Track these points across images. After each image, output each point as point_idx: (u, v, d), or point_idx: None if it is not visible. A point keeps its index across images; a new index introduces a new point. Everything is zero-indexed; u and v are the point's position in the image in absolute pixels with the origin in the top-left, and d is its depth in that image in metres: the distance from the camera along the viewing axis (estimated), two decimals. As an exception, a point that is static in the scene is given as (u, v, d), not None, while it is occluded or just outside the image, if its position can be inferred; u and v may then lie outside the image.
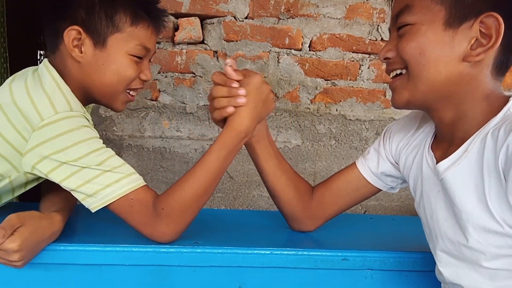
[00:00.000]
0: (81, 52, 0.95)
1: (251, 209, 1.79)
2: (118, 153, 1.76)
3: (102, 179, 0.88)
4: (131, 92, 1.04)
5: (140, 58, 1.00)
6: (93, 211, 0.90)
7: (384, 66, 0.90)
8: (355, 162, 1.06)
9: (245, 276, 0.97)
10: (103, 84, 0.98)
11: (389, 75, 0.87)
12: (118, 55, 0.97)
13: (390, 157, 1.01)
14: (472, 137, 0.78)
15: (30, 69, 0.99)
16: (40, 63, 2.98)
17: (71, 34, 0.94)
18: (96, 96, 1.01)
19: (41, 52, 3.13)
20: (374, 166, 1.03)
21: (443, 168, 0.82)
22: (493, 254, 0.76)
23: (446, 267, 0.84)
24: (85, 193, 0.88)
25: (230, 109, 0.91)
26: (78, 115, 0.92)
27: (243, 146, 1.00)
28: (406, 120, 1.01)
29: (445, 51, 0.77)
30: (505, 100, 0.79)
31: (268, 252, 0.97)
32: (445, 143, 0.86)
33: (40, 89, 0.90)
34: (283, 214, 1.10)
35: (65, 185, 0.89)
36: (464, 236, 0.79)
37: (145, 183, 0.93)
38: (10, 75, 1.61)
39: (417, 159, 0.92)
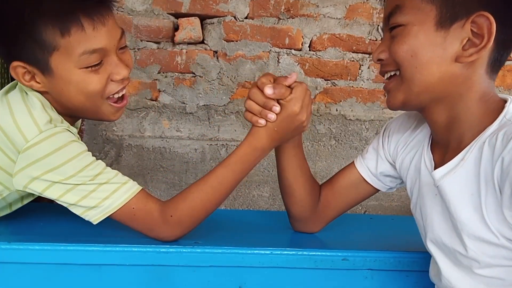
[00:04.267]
0: (38, 82, 0.87)
1: (251, 209, 1.79)
2: (118, 153, 1.76)
3: (99, 192, 0.87)
4: (115, 96, 0.92)
5: (96, 65, 0.86)
6: (95, 223, 0.90)
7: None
8: (353, 162, 1.05)
9: (245, 276, 0.97)
10: (75, 105, 0.90)
11: (383, 76, 0.86)
12: (68, 74, 0.85)
13: (389, 157, 1.00)
14: (470, 145, 0.77)
15: (13, 84, 0.93)
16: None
17: (17, 71, 0.85)
18: (80, 115, 0.96)
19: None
20: (373, 167, 1.01)
21: (439, 176, 0.81)
22: (487, 263, 0.75)
23: (441, 267, 0.84)
24: (85, 206, 0.87)
25: (262, 121, 0.89)
26: (62, 131, 0.86)
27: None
28: (404, 118, 0.99)
29: (437, 53, 0.76)
30: (501, 104, 0.78)
31: (268, 252, 0.97)
32: (442, 146, 0.85)
33: (23, 106, 0.85)
34: (290, 213, 1.09)
35: (64, 200, 0.87)
36: (461, 245, 0.78)
37: (142, 187, 0.92)
38: (11, 75, 1.58)
39: (415, 160, 0.91)
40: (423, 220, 0.88)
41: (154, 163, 1.76)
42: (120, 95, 0.93)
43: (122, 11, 1.66)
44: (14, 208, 1.03)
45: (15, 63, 0.85)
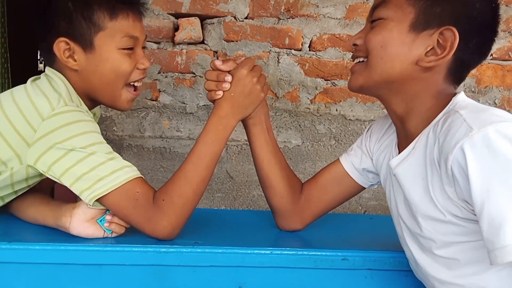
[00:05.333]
0: (75, 60, 0.99)
1: (251, 209, 1.79)
2: (118, 153, 1.76)
3: (108, 165, 0.91)
4: (135, 84, 1.06)
5: (131, 49, 1.02)
6: (91, 202, 0.91)
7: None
8: (339, 158, 1.10)
9: (245, 276, 0.97)
10: (102, 84, 1.01)
11: (353, 61, 0.94)
12: (108, 52, 0.99)
13: (370, 154, 1.05)
14: (420, 134, 0.85)
15: (37, 77, 1.03)
16: (40, 62, 2.99)
17: (60, 46, 0.98)
18: (99, 98, 1.05)
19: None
20: (357, 162, 1.06)
21: (394, 165, 0.89)
22: (442, 242, 0.81)
23: (412, 253, 0.90)
24: (91, 179, 0.90)
25: (219, 93, 0.98)
26: (82, 110, 0.98)
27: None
28: (383, 119, 1.06)
29: (404, 51, 0.84)
30: (452, 97, 0.85)
31: (268, 252, 0.97)
32: (404, 140, 0.92)
33: (50, 87, 0.97)
34: (272, 207, 1.12)
35: (74, 171, 0.90)
36: (417, 226, 0.85)
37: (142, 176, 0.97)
38: (11, 75, 1.66)
39: (387, 157, 0.98)
40: (394, 212, 0.95)
41: (154, 163, 1.76)
42: (137, 84, 1.07)
43: (122, 11, 1.66)
44: (7, 200, 1.05)
45: (61, 39, 0.98)
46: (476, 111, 0.76)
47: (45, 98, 0.94)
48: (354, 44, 0.92)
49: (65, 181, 0.91)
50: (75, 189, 0.91)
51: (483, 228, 0.68)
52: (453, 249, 0.80)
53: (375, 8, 0.89)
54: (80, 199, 0.94)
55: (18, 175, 0.97)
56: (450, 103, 0.83)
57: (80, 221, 0.94)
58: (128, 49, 1.01)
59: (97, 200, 0.92)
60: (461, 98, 0.84)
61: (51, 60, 1.02)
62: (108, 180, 0.90)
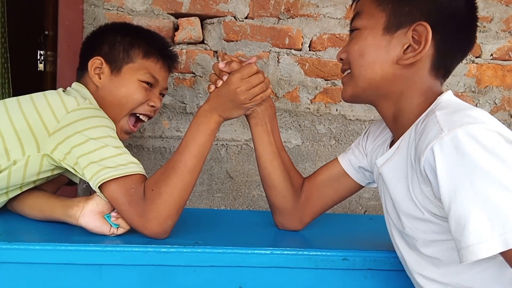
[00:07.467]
0: (100, 78, 1.17)
1: (251, 209, 1.79)
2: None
3: (115, 159, 0.97)
4: (140, 116, 1.20)
5: (149, 84, 1.19)
6: (96, 188, 0.96)
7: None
8: (337, 157, 1.12)
9: (245, 276, 0.97)
10: (112, 105, 1.15)
11: (343, 73, 0.97)
12: (129, 80, 1.17)
13: (365, 153, 1.07)
14: (404, 134, 0.87)
15: (60, 89, 1.16)
16: (40, 63, 3.02)
17: (94, 62, 1.17)
18: None
19: (41, 52, 3.12)
20: (354, 160, 1.08)
21: (380, 164, 0.91)
22: (424, 240, 0.83)
23: (401, 251, 0.91)
24: (103, 165, 0.96)
25: (212, 87, 1.04)
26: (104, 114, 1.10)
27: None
28: (381, 120, 1.06)
29: (381, 54, 0.87)
30: (437, 96, 0.86)
31: (268, 252, 0.97)
32: (396, 140, 0.93)
33: (78, 94, 1.11)
34: (272, 206, 1.13)
35: (83, 160, 0.97)
36: (400, 223, 0.87)
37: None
38: (11, 75, 1.73)
39: (378, 156, 0.98)
40: (384, 210, 0.96)
41: (154, 163, 1.76)
42: (142, 118, 1.21)
43: (122, 11, 1.66)
44: (11, 195, 1.09)
45: (98, 57, 1.17)
46: (451, 112, 0.77)
47: (74, 98, 1.07)
48: (340, 59, 0.95)
49: (78, 168, 0.99)
50: (87, 174, 0.97)
51: (451, 228, 0.70)
52: (435, 248, 0.82)
53: (352, 20, 0.93)
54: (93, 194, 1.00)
55: (32, 165, 1.02)
56: (434, 103, 0.85)
57: (91, 212, 0.99)
58: (147, 83, 1.18)
59: (99, 188, 0.96)
60: (445, 97, 0.85)
61: (81, 75, 1.20)
62: (111, 169, 0.95)
